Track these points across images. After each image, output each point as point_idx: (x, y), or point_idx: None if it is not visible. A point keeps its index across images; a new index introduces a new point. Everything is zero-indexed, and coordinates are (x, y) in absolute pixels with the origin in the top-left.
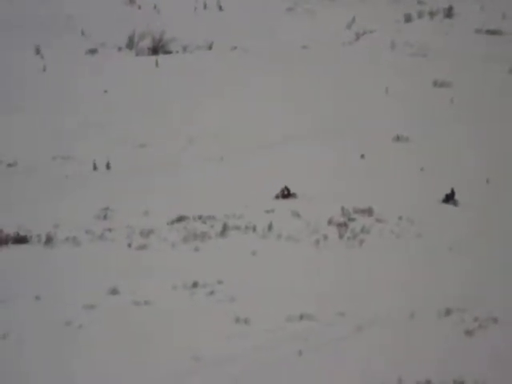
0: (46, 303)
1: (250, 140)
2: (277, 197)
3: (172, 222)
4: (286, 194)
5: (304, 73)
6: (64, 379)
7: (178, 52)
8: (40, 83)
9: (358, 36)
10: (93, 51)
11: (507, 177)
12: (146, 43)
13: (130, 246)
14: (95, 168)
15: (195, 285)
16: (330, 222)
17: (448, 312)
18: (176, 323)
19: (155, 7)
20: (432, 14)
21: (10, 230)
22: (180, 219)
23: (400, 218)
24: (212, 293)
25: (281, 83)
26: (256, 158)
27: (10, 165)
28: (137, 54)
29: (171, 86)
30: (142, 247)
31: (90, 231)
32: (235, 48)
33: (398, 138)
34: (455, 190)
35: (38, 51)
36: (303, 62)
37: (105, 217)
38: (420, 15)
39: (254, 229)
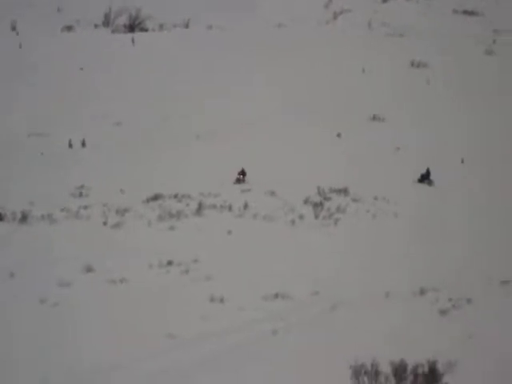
0: (21, 280)
1: (226, 118)
2: (235, 182)
3: (147, 201)
4: (241, 177)
5: (280, 52)
6: (39, 356)
7: (154, 30)
8: (16, 60)
9: (335, 15)
10: (69, 28)
11: (482, 157)
12: (122, 20)
13: (105, 223)
14: (70, 145)
15: (170, 263)
16: (305, 202)
17: (422, 292)
18: (151, 301)
19: None
20: None
21: None
22: (155, 197)
23: (375, 197)
24: (187, 271)
25: (256, 62)
26: (231, 136)
27: None
28: (113, 32)
29: (147, 64)
30: (118, 225)
31: (65, 209)
32: (211, 27)
33: (374, 118)
34: (430, 170)
35: (13, 28)
36: (279, 41)
37: (80, 194)
38: None
39: (230, 208)
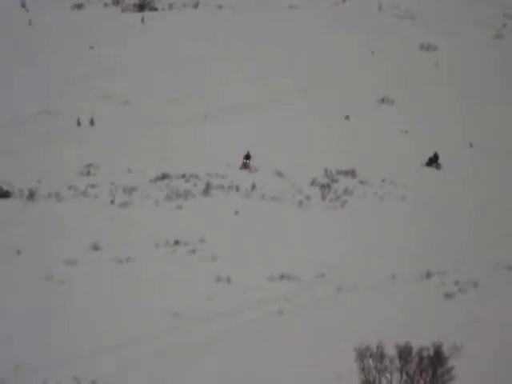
0: (27, 258)
1: (235, 99)
2: (241, 167)
3: (155, 180)
4: (247, 162)
5: (291, 33)
6: (44, 334)
7: (164, 9)
8: (25, 37)
9: None
10: (79, 6)
11: (490, 141)
12: (132, 0)
13: (112, 202)
14: (79, 124)
15: (177, 243)
16: (312, 183)
17: (429, 275)
18: (157, 281)
19: None
20: None
21: None
22: (163, 177)
23: (383, 180)
24: (194, 251)
25: (266, 43)
26: (239, 117)
27: None
28: (123, 11)
29: (156, 44)
30: (125, 204)
31: (73, 187)
32: (222, 7)
33: (382, 100)
34: (438, 154)
35: (23, 4)
36: (290, 22)
37: (88, 173)
38: None
39: (237, 188)
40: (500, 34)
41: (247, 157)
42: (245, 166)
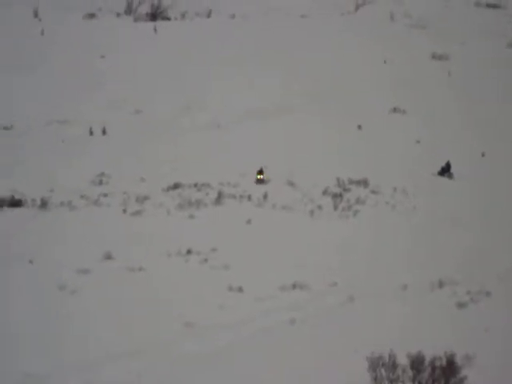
0: (40, 267)
1: (246, 108)
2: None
3: (167, 189)
4: (261, 177)
5: (302, 42)
6: (57, 343)
7: (176, 19)
8: (38, 46)
9: (357, 6)
10: (91, 16)
11: (503, 150)
12: (145, 9)
13: (125, 211)
14: (91, 133)
15: (189, 252)
16: (324, 193)
17: (441, 284)
18: (169, 290)
19: None
20: None
21: (5, 194)
22: (175, 186)
23: (395, 189)
24: (206, 260)
25: (279, 52)
26: (251, 126)
27: (6, 128)
28: (135, 20)
29: (169, 53)
30: (137, 213)
31: (85, 196)
32: (234, 16)
33: (394, 110)
34: (451, 163)
35: (36, 14)
36: (302, 31)
37: (100, 182)
38: None
39: (249, 197)
40: None
41: (260, 172)
42: (260, 181)
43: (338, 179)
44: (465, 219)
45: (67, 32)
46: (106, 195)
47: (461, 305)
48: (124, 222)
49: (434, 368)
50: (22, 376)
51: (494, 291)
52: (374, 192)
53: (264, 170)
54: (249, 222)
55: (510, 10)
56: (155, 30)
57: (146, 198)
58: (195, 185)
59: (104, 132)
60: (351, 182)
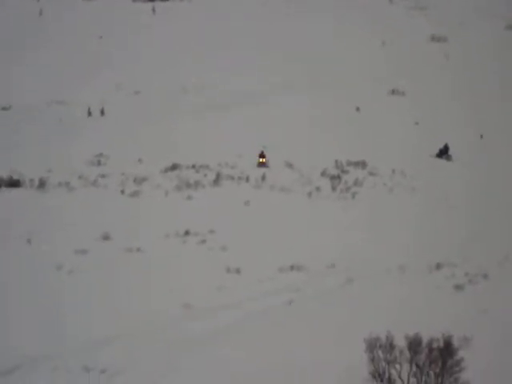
0: (38, 247)
1: (246, 90)
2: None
3: (165, 170)
4: (263, 160)
5: (301, 23)
6: (54, 323)
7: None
8: (36, 27)
9: None
10: None
11: (501, 132)
12: None
13: (123, 192)
14: (90, 114)
15: (187, 233)
16: (323, 174)
17: (439, 266)
18: (167, 271)
19: None
20: None
21: (3, 174)
22: (173, 167)
23: (393, 171)
24: (204, 242)
25: (277, 34)
26: (250, 108)
27: (4, 108)
28: (134, 0)
29: (167, 34)
30: (135, 194)
31: (83, 177)
32: None
33: (393, 92)
34: (449, 145)
35: None
36: (299, 13)
37: (98, 163)
38: None
39: (248, 179)
40: (511, 25)
41: (262, 156)
42: (262, 164)
43: (336, 161)
44: (463, 201)
45: (65, 12)
46: (103, 176)
47: (458, 287)
48: (122, 202)
49: (431, 349)
50: (22, 355)
51: (491, 273)
52: (372, 174)
53: (265, 152)
54: (247, 203)
55: None
56: (154, 10)
57: (143, 179)
58: (193, 166)
59: (102, 113)
60: (349, 163)
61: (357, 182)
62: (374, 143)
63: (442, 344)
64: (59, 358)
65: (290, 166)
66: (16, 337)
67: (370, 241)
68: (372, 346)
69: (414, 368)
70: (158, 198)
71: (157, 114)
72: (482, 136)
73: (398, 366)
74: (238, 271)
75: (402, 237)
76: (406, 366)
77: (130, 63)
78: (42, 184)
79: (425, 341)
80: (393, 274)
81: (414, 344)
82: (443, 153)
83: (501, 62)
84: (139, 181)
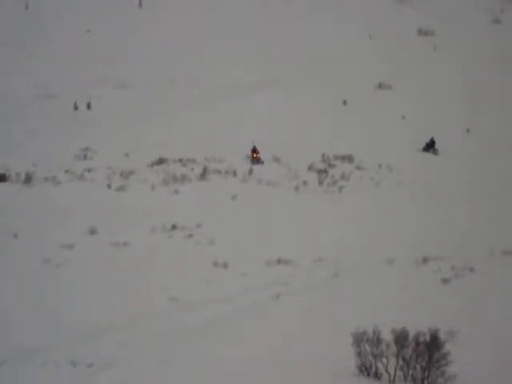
0: (24, 241)
1: (233, 84)
2: (251, 161)
3: (152, 164)
4: (256, 155)
5: (287, 18)
6: (42, 317)
7: None
8: (23, 21)
9: None
10: None
11: (487, 126)
12: None
13: (109, 186)
14: (76, 108)
15: (174, 227)
16: (310, 168)
17: (425, 260)
18: (154, 265)
19: None
20: None
21: None
22: (160, 161)
23: (380, 165)
24: (191, 236)
25: (266, 28)
26: (237, 101)
27: None
28: None
29: (154, 27)
30: (122, 188)
31: (69, 171)
32: None
33: (380, 86)
34: (435, 139)
35: None
36: (290, 9)
37: (85, 157)
38: None
39: (235, 173)
40: (498, 19)
41: (254, 151)
42: (256, 160)
43: (323, 155)
44: (449, 195)
45: (52, 6)
46: (90, 170)
47: (445, 280)
48: (108, 197)
49: (417, 343)
50: (11, 349)
51: (477, 267)
52: (358, 168)
53: (258, 151)
54: (234, 197)
55: None
56: (140, 3)
57: (130, 173)
58: (180, 160)
59: (89, 107)
60: (336, 157)
61: (343, 176)
62: (361, 137)
63: (428, 338)
64: (47, 353)
65: (276, 160)
66: (3, 331)
67: (357, 235)
68: (359, 339)
69: (401, 362)
70: (145, 192)
71: (143, 107)
72: (468, 130)
73: (384, 360)
74: (225, 265)
75: (389, 230)
76: (392, 360)
77: (116, 57)
78: (28, 178)
79: (411, 335)
80: (380, 268)
81: (401, 338)
82: (430, 147)
83: (488, 55)
84: (126, 175)
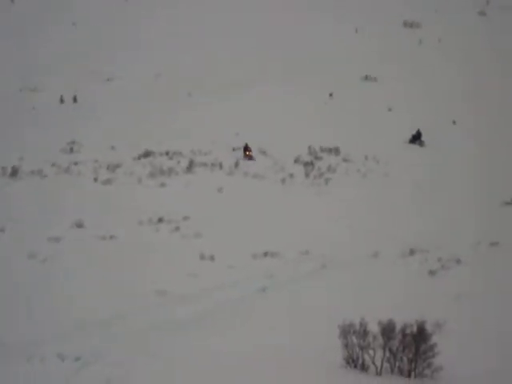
0: (11, 235)
1: (218, 77)
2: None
3: (139, 157)
4: (249, 153)
5: (273, 12)
6: (28, 311)
7: None
8: (8, 14)
9: None
10: None
11: (474, 118)
12: None
13: (96, 180)
14: (62, 101)
15: (161, 220)
16: (296, 161)
17: (412, 252)
18: (141, 258)
19: None
20: None
21: None
22: (147, 154)
23: (366, 157)
24: (177, 229)
25: (250, 24)
26: (223, 94)
27: None
28: None
29: (139, 20)
30: (109, 181)
31: (56, 164)
32: None
33: (366, 78)
34: (422, 131)
35: None
36: (274, 2)
37: (71, 150)
38: None
39: (221, 166)
40: (483, 12)
41: (247, 149)
42: (248, 157)
43: (309, 147)
44: (436, 187)
45: None
46: (76, 163)
47: (432, 272)
48: (95, 190)
49: (404, 335)
50: None
51: (464, 259)
52: (345, 160)
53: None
54: (220, 190)
55: None
56: None
57: (117, 166)
58: (167, 153)
59: (75, 100)
60: (323, 150)
61: (330, 169)
62: (347, 129)
63: (415, 329)
64: (34, 347)
65: (263, 152)
66: None
67: (344, 227)
68: (346, 331)
69: (388, 353)
70: (131, 185)
71: (129, 100)
72: (454, 122)
73: (371, 352)
74: (211, 258)
75: (376, 223)
76: (379, 352)
77: (102, 50)
78: (14, 172)
79: (398, 326)
80: (366, 260)
81: (388, 330)
82: (416, 138)
83: (474, 48)
84: (112, 168)
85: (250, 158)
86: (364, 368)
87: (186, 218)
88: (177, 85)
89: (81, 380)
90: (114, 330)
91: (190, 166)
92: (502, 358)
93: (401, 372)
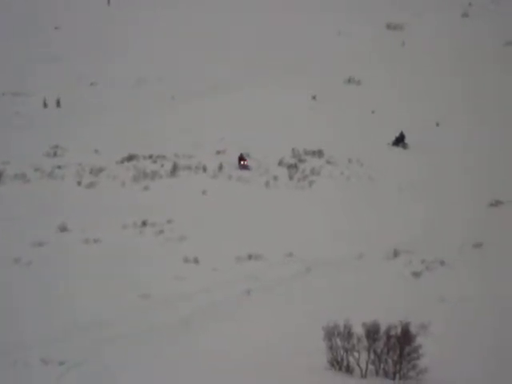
0: None
1: (201, 80)
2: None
3: (122, 161)
4: (244, 163)
5: (255, 13)
6: (12, 316)
7: None
8: None
9: None
10: None
11: (457, 120)
12: None
13: (79, 183)
14: (45, 105)
15: (144, 223)
16: (280, 163)
17: (396, 254)
18: (125, 262)
19: None
20: None
21: None
22: (130, 158)
23: (350, 160)
24: (161, 232)
25: (233, 22)
26: (206, 97)
27: None
28: None
29: (123, 25)
30: (92, 185)
31: (39, 168)
32: None
33: (349, 81)
34: (405, 133)
35: None
36: (257, 4)
37: (55, 154)
38: None
39: (205, 169)
40: (466, 13)
41: (242, 158)
42: (244, 167)
43: (293, 150)
44: (419, 189)
45: (19, 2)
46: (60, 167)
47: (416, 274)
48: (79, 194)
49: (389, 337)
50: None
51: (448, 260)
52: (329, 162)
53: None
54: (204, 193)
55: None
56: (109, 1)
57: (100, 169)
58: (150, 156)
59: (58, 104)
60: (307, 152)
61: (314, 171)
62: (331, 132)
63: (399, 331)
64: (18, 351)
65: (247, 155)
66: None
67: (328, 229)
68: (330, 334)
69: (372, 355)
70: (115, 188)
71: (113, 104)
72: (438, 124)
73: (356, 354)
74: (195, 261)
75: (360, 224)
76: (364, 354)
77: (85, 54)
78: None
79: (383, 328)
80: (351, 261)
81: (372, 331)
82: (399, 141)
83: (457, 49)
84: (96, 172)
85: (245, 167)
86: (349, 370)
87: (169, 221)
88: (160, 89)
89: None
90: (98, 334)
91: (174, 170)
92: (486, 359)
93: (386, 374)
